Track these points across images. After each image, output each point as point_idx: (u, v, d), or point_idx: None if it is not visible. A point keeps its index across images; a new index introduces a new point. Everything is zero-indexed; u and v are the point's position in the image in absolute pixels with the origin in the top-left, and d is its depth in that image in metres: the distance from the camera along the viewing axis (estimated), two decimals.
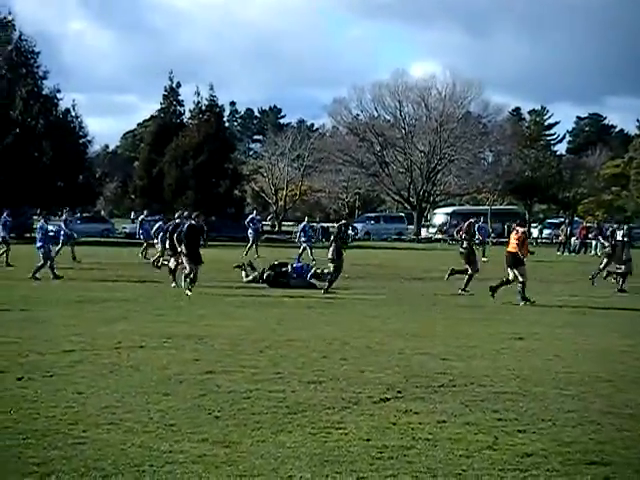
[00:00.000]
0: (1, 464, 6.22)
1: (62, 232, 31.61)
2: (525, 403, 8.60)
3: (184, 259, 20.08)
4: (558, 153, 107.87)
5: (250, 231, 38.88)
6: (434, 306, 18.57)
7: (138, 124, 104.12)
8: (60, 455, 6.45)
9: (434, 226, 75.14)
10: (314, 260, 30.15)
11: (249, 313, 16.31)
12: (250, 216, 40.68)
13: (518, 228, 19.67)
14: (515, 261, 19.06)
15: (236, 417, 7.77)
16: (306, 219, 37.88)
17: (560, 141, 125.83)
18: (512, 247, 19.32)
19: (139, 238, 35.52)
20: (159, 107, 70.52)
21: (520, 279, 18.90)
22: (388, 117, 79.97)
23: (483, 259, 30.48)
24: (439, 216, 75.46)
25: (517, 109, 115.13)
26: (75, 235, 32.64)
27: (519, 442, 7.10)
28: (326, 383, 9.40)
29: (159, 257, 27.97)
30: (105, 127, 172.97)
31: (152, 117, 75.06)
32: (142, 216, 37.02)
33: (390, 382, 9.51)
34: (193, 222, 20.43)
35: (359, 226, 70.33)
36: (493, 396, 8.90)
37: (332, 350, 11.80)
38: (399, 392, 8.99)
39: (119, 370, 9.98)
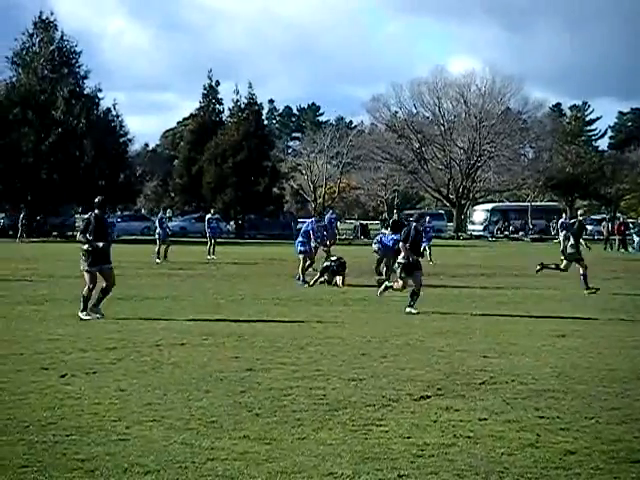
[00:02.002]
0: (47, 460, 6.29)
1: (158, 230, 31.76)
2: (567, 401, 8.53)
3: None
4: (600, 149, 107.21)
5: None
6: (474, 303, 18.48)
7: (178, 122, 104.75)
8: (104, 451, 6.52)
9: (474, 223, 74.82)
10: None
11: (287, 311, 16.34)
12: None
13: None
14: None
15: (276, 414, 7.80)
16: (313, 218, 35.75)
17: (602, 136, 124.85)
18: None
19: (207, 236, 35.03)
20: (198, 105, 71.03)
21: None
22: (427, 114, 79.84)
23: (429, 263, 29.47)
24: (479, 213, 75.15)
25: (557, 104, 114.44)
26: (169, 233, 32.59)
27: (562, 440, 7.04)
28: (366, 380, 9.40)
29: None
30: (145, 125, 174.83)
31: (192, 115, 75.56)
32: (209, 215, 36.49)
33: (430, 379, 9.48)
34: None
35: None
36: (535, 394, 8.83)
37: (372, 348, 11.79)
38: (439, 389, 8.96)
39: (160, 367, 10.05)
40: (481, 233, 69.95)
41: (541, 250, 43.68)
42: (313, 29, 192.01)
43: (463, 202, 76.47)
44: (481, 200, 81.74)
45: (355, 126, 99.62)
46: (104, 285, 14.91)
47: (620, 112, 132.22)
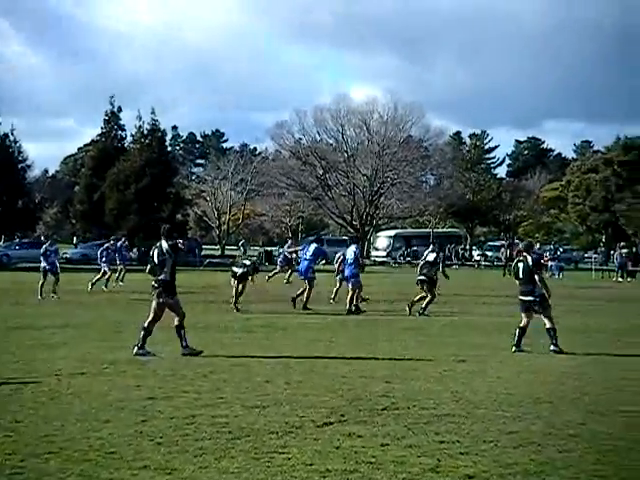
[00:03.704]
0: None
1: (43, 265, 27.50)
2: (467, 425, 8.65)
3: None
4: (498, 176, 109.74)
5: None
6: (377, 329, 18.63)
7: (79, 148, 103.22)
8: None
9: (377, 249, 75.53)
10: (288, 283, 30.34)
11: (190, 339, 16.14)
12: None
13: None
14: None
15: (178, 443, 7.69)
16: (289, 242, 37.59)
17: (500, 164, 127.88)
18: None
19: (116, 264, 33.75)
20: (100, 131, 70.09)
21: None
22: (330, 141, 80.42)
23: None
24: (382, 239, 75.95)
25: (457, 133, 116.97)
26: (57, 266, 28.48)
27: (461, 464, 7.13)
28: (269, 407, 9.36)
29: None
30: (45, 151, 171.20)
31: (93, 141, 74.51)
32: (120, 242, 35.14)
33: (333, 406, 9.50)
34: None
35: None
36: (435, 418, 8.93)
37: (276, 374, 11.75)
38: (342, 416, 8.98)
39: (59, 398, 9.81)
40: (384, 259, 70.63)
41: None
42: (215, 55, 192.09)
43: (367, 228, 77.17)
44: (384, 226, 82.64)
45: (259, 153, 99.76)
46: None
47: (517, 141, 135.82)
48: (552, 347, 14.57)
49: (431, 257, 22.83)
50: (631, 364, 13.47)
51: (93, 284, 30.02)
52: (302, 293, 23.33)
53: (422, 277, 22.54)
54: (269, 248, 75.24)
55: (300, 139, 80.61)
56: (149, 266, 14.16)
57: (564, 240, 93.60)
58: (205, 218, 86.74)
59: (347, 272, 22.84)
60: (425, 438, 8.03)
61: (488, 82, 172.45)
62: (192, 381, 11.03)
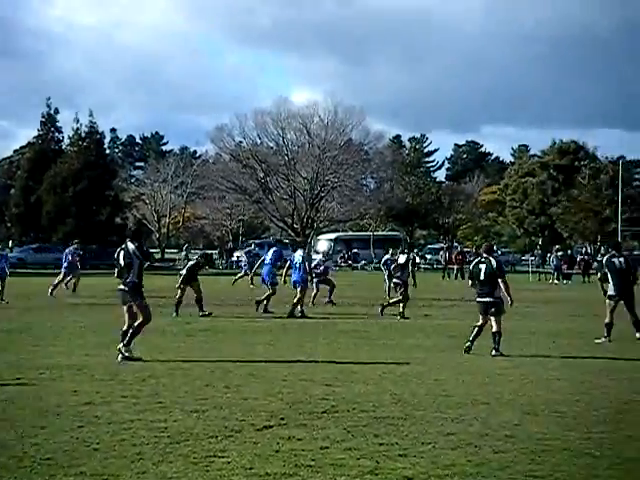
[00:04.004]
0: None
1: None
2: (406, 427, 8.71)
3: None
4: (437, 180, 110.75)
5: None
6: (318, 332, 18.66)
7: (14, 151, 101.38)
8: None
9: (318, 252, 75.66)
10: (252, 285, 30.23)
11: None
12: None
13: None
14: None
15: (116, 449, 7.61)
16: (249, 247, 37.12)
17: (439, 168, 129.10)
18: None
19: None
20: (36, 133, 69.15)
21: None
22: (271, 144, 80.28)
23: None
24: (323, 242, 76.09)
25: (397, 136, 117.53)
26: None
27: (400, 466, 7.18)
28: (209, 411, 9.32)
29: None
30: None
31: (29, 144, 73.40)
32: (72, 247, 33.92)
33: (273, 409, 9.50)
34: None
35: (243, 253, 70.20)
36: (375, 421, 8.98)
37: (215, 378, 11.70)
38: (282, 419, 8.98)
39: None
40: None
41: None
42: (154, 57, 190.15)
43: (307, 232, 77.24)
44: (325, 230, 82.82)
45: (199, 155, 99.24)
46: None
47: (456, 144, 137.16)
48: (494, 352, 14.71)
49: (402, 259, 23.21)
50: (565, 365, 13.69)
51: (54, 288, 29.63)
52: (268, 297, 23.35)
53: (397, 280, 22.91)
54: (209, 251, 74.94)
55: (241, 142, 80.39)
56: (117, 270, 13.98)
57: (502, 243, 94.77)
58: (144, 221, 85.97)
59: (296, 277, 22.85)
60: (364, 440, 8.07)
61: (427, 86, 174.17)
62: (131, 386, 10.93)
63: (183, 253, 68.59)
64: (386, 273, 27.44)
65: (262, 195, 77.57)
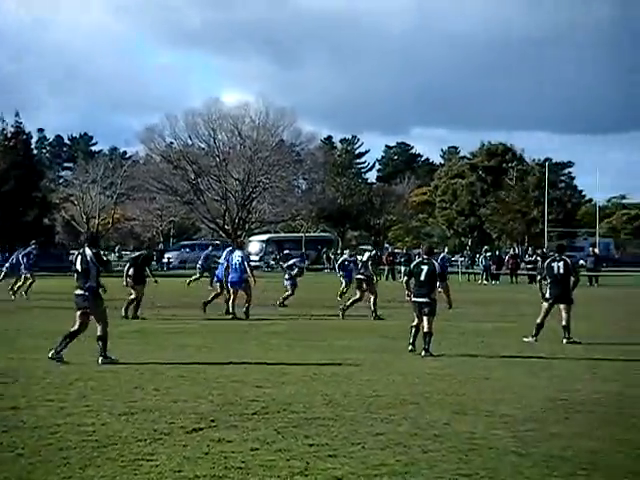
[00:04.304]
0: None
1: None
2: (336, 428, 8.74)
3: None
4: (369, 181, 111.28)
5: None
6: (250, 333, 18.63)
7: None
8: None
9: (250, 253, 75.44)
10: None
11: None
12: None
13: None
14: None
15: (41, 454, 7.49)
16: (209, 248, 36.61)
17: (370, 169, 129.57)
18: None
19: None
20: None
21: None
22: (202, 145, 79.77)
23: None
24: (255, 244, 75.95)
25: (329, 137, 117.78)
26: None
27: (330, 467, 7.21)
28: (138, 414, 9.23)
29: None
30: None
31: None
32: (29, 249, 32.63)
33: (203, 411, 9.45)
34: None
35: (174, 254, 69.86)
36: (306, 422, 9.00)
37: (145, 380, 11.60)
38: (212, 421, 8.94)
39: None
40: (257, 264, 70.64)
41: (318, 280, 44.60)
42: (82, 57, 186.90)
43: (239, 233, 76.98)
44: (257, 231, 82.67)
45: (130, 156, 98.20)
46: None
47: (387, 146, 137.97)
48: (423, 352, 14.84)
49: (366, 256, 23.59)
50: (493, 364, 13.88)
51: (15, 291, 28.97)
52: (247, 300, 23.17)
53: (361, 276, 23.16)
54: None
55: (171, 143, 79.78)
56: (76, 275, 13.83)
57: (432, 244, 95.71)
58: (73, 222, 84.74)
59: (234, 278, 22.70)
60: (295, 442, 8.08)
61: (358, 87, 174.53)
62: (58, 389, 10.77)
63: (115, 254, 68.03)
64: (342, 274, 27.64)
65: (193, 196, 77.12)
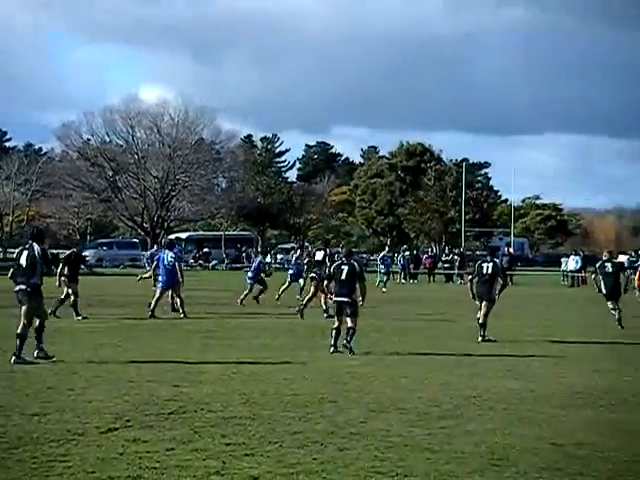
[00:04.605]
0: None
1: None
2: (253, 427, 8.73)
3: None
4: (289, 180, 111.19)
5: None
6: (167, 333, 18.47)
7: None
8: None
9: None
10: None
11: None
12: None
13: None
14: None
15: None
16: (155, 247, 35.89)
17: (290, 168, 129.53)
18: None
19: None
20: None
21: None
22: (120, 142, 78.88)
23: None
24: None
25: (249, 136, 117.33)
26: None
27: (246, 466, 7.19)
28: (51, 415, 9.07)
29: None
30: None
31: None
32: None
33: (119, 411, 9.34)
34: None
35: (91, 252, 68.78)
36: (223, 421, 8.97)
37: (59, 380, 11.41)
38: (128, 421, 8.84)
39: None
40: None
41: (238, 279, 44.44)
42: None
43: (158, 231, 76.25)
44: (176, 229, 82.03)
45: (45, 153, 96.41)
46: None
47: (307, 145, 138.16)
48: (344, 342, 14.94)
49: (319, 256, 23.89)
50: (410, 362, 14.03)
51: None
52: (174, 299, 23.00)
53: (313, 274, 23.38)
54: (55, 251, 72.95)
55: (88, 140, 78.69)
56: (12, 270, 13.51)
57: (352, 243, 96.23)
58: None
59: (169, 280, 22.48)
60: (211, 441, 8.05)
61: (278, 86, 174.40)
62: None
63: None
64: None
65: (111, 194, 76.19)
